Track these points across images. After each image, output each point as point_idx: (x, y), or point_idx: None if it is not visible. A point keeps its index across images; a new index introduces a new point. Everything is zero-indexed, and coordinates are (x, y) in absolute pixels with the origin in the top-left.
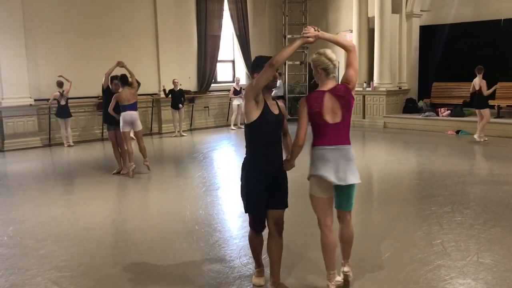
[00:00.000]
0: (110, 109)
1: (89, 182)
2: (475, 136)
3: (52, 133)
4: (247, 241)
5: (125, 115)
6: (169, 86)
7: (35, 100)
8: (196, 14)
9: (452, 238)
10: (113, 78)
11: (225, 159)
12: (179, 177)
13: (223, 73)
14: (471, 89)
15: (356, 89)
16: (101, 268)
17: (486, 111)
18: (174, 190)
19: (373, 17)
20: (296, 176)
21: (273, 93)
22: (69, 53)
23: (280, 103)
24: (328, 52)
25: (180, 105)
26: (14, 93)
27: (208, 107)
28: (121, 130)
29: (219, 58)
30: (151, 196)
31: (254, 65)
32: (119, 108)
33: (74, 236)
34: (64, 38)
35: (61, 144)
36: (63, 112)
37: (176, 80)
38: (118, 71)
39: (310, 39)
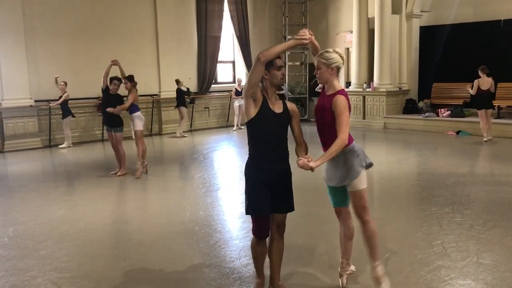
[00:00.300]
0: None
1: (90, 183)
2: (490, 137)
3: (52, 134)
4: (247, 242)
5: (141, 115)
6: (173, 86)
7: (35, 101)
8: (196, 15)
9: (452, 239)
10: (113, 78)
11: (225, 160)
12: (179, 178)
13: (223, 74)
14: (475, 90)
15: (356, 89)
16: (101, 269)
17: (490, 111)
18: (174, 191)
19: (373, 17)
20: (296, 177)
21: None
22: (69, 54)
23: (291, 104)
24: (339, 50)
25: (188, 101)
26: (14, 94)
27: (208, 107)
28: (139, 129)
29: (219, 59)
30: (151, 197)
31: None
32: (108, 106)
33: (74, 237)
34: (64, 39)
35: (61, 144)
36: (70, 111)
37: (181, 80)
38: (116, 72)
39: (305, 41)
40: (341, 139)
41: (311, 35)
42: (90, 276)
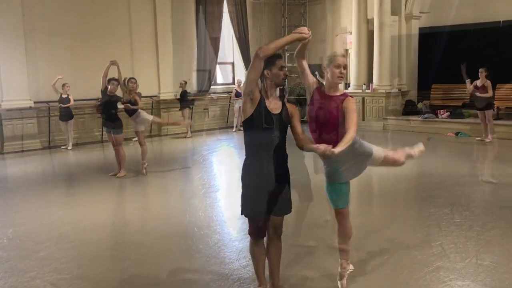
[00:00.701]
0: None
1: (89, 184)
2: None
3: (52, 135)
4: (246, 243)
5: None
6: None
7: (34, 102)
8: (195, 16)
9: (451, 240)
10: (111, 79)
11: (224, 161)
12: (179, 179)
13: (222, 75)
14: (490, 92)
15: (356, 91)
16: (100, 271)
17: None
18: (174, 192)
19: (372, 19)
20: (298, 177)
21: None
22: (68, 55)
23: (291, 105)
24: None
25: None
26: (13, 95)
27: (207, 109)
28: (151, 118)
29: (218, 60)
30: (150, 198)
31: None
32: (106, 107)
33: (74, 238)
34: (64, 41)
35: (60, 146)
36: (72, 113)
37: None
38: (114, 73)
39: (305, 35)
40: (354, 131)
41: (309, 30)
42: (89, 277)
